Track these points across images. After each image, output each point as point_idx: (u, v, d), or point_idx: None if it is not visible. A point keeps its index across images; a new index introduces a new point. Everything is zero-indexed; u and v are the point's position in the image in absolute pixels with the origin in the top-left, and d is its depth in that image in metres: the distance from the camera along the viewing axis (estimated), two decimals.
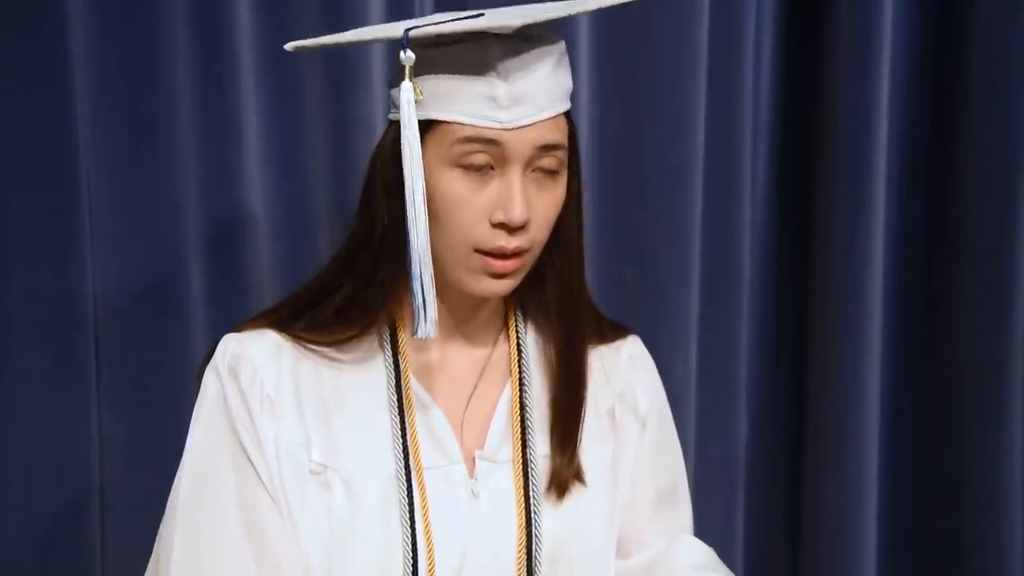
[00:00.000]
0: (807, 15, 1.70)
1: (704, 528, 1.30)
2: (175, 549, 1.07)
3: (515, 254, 1.05)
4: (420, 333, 1.03)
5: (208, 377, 1.10)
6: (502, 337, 1.17)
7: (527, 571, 1.09)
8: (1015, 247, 1.67)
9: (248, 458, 1.07)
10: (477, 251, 1.05)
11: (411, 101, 1.00)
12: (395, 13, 1.50)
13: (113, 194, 1.42)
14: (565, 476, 1.12)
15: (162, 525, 1.10)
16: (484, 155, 1.03)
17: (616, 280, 1.66)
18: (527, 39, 1.03)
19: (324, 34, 1.45)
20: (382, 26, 1.18)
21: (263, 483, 1.07)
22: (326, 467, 1.08)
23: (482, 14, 1.06)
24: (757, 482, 1.78)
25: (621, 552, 1.20)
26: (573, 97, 1.56)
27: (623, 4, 1.11)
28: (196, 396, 1.13)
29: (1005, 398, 1.70)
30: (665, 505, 1.23)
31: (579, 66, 1.58)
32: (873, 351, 1.71)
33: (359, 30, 1.20)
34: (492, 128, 1.02)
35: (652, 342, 1.52)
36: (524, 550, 1.09)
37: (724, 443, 1.75)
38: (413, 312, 1.04)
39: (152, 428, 1.45)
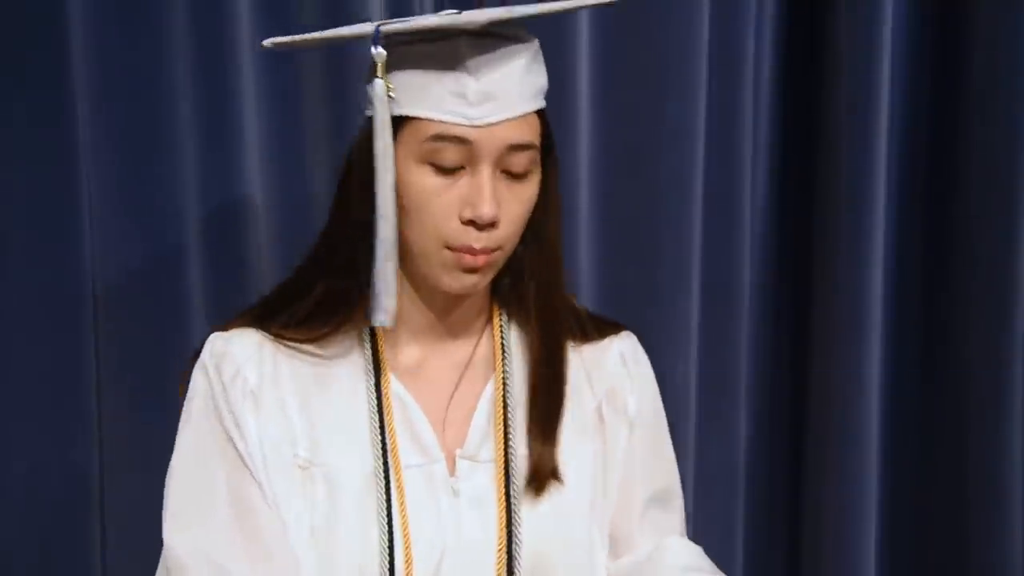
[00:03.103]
0: (807, 15, 1.70)
1: (704, 529, 1.30)
2: (170, 548, 1.08)
3: (484, 251, 1.06)
4: (375, 320, 1.05)
5: (196, 374, 1.12)
6: (485, 336, 1.18)
7: (507, 571, 1.09)
8: (1015, 247, 1.67)
9: (237, 452, 1.08)
10: (448, 247, 1.06)
11: (383, 98, 1.02)
12: (394, 13, 1.50)
13: (113, 194, 1.43)
14: (543, 474, 1.12)
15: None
16: (454, 154, 1.04)
17: (617, 282, 1.66)
18: (498, 37, 1.04)
19: None
20: (356, 25, 1.19)
21: (252, 475, 1.08)
22: (311, 463, 1.09)
23: (457, 12, 1.07)
24: (757, 482, 1.78)
25: (611, 553, 1.20)
26: (574, 97, 1.59)
27: (596, 5, 1.12)
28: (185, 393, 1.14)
29: (1005, 397, 1.69)
30: (656, 507, 1.22)
31: (579, 67, 1.58)
32: (873, 351, 1.70)
33: (333, 30, 1.20)
34: (461, 125, 1.03)
35: (653, 344, 1.52)
36: (504, 550, 1.09)
37: (724, 444, 1.74)
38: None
39: (152, 427, 1.44)
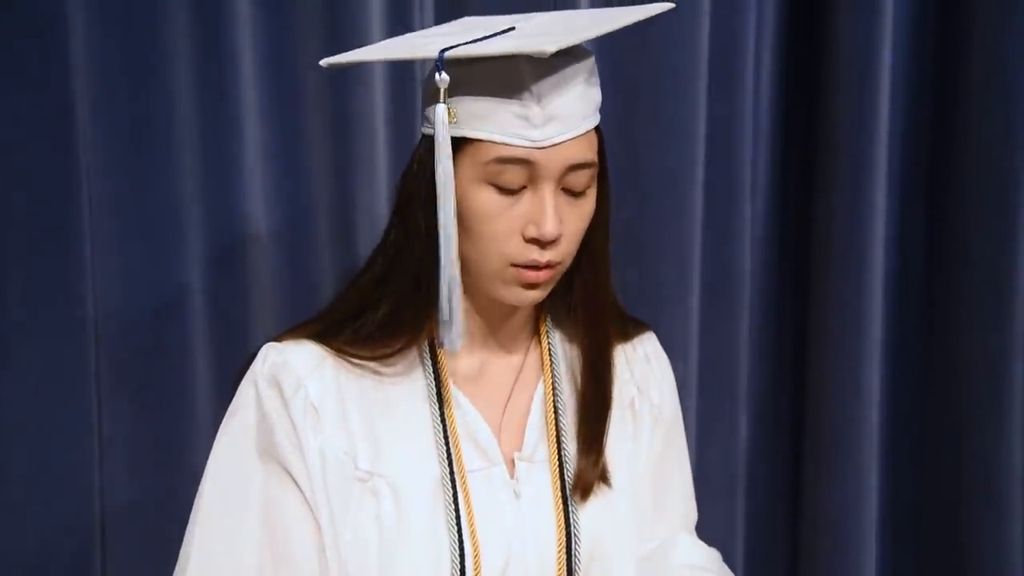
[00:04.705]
0: (807, 16, 1.70)
1: (704, 529, 1.30)
2: (192, 556, 1.08)
3: (547, 266, 1.06)
4: (448, 346, 1.06)
5: (244, 385, 1.11)
6: (534, 342, 1.19)
7: (567, 569, 1.10)
8: (1014, 247, 1.66)
9: (286, 469, 1.07)
10: (511, 264, 1.06)
11: (445, 123, 1.01)
12: (394, 13, 1.50)
13: (113, 194, 1.42)
14: (590, 478, 1.13)
15: (187, 530, 1.11)
16: (517, 175, 1.04)
17: (617, 282, 1.65)
18: (559, 55, 1.02)
19: (324, 34, 1.47)
20: (413, 41, 1.17)
21: (303, 495, 1.07)
22: (372, 474, 1.08)
23: (513, 28, 1.07)
24: (756, 484, 1.78)
25: None
26: None
27: (654, 15, 1.11)
28: (214, 397, 1.11)
29: (1005, 399, 1.69)
30: (668, 501, 1.24)
31: None
32: (873, 353, 1.70)
33: (391, 47, 1.19)
34: (524, 147, 1.02)
35: None
36: (564, 549, 1.10)
37: (724, 445, 1.75)
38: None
39: (152, 428, 1.45)
